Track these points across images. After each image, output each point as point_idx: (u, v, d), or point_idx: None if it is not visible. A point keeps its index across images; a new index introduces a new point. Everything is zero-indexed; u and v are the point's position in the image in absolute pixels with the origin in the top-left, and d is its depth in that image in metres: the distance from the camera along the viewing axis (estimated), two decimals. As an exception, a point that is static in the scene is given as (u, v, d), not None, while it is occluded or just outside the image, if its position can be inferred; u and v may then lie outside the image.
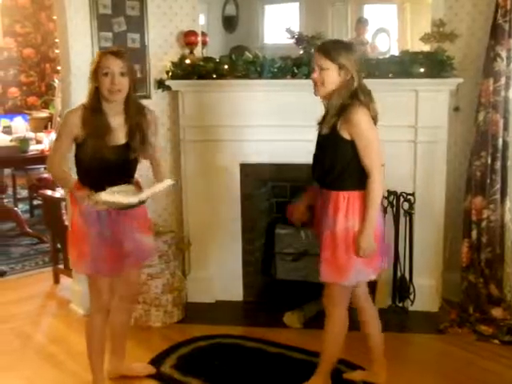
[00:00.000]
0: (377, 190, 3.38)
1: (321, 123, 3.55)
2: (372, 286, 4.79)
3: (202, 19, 5.12)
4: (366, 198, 3.38)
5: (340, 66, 3.34)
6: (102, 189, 3.29)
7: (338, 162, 3.41)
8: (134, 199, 3.36)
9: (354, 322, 3.76)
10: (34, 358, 4.28)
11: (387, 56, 5.03)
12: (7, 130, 7.29)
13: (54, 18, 5.46)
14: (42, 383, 3.99)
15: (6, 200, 7.13)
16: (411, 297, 4.76)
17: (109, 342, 3.79)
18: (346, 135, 3.35)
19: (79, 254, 3.49)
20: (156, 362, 4.14)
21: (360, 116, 3.34)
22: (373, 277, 3.63)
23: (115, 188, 3.37)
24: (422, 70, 4.49)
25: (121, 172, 3.48)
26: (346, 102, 3.35)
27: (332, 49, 3.40)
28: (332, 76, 3.36)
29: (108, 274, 3.54)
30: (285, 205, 5.07)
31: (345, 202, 3.41)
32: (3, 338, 4.54)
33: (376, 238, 3.41)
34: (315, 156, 3.61)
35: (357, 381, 3.91)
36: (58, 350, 4.38)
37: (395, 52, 5.11)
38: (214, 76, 4.76)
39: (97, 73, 3.35)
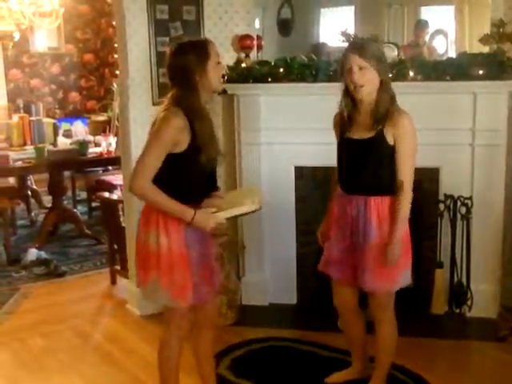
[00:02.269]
0: (408, 199, 3.40)
1: (348, 126, 3.47)
2: (429, 291, 4.77)
3: (257, 23, 5.13)
4: (397, 208, 3.36)
5: (378, 66, 3.30)
6: (198, 202, 3.12)
7: (384, 168, 3.37)
8: (251, 206, 3.17)
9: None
10: (91, 357, 4.36)
11: (444, 58, 4.99)
12: (68, 134, 7.41)
13: (113, 23, 5.51)
14: (100, 382, 4.06)
15: (65, 202, 7.25)
16: (469, 303, 4.69)
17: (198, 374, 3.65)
18: (390, 140, 3.33)
19: (180, 284, 3.12)
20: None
21: (408, 121, 3.33)
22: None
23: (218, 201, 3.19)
24: (480, 71, 4.43)
25: (214, 181, 3.29)
26: (389, 106, 3.33)
27: (369, 49, 3.34)
28: (372, 75, 3.30)
29: (205, 300, 3.30)
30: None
31: (387, 208, 3.41)
32: (62, 337, 4.63)
33: (407, 244, 3.49)
34: (351, 162, 3.50)
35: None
36: (115, 349, 4.44)
37: (453, 54, 5.06)
38: (270, 79, 4.77)
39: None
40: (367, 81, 3.29)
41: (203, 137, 3.03)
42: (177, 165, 3.04)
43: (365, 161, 3.42)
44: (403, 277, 3.51)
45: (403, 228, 3.42)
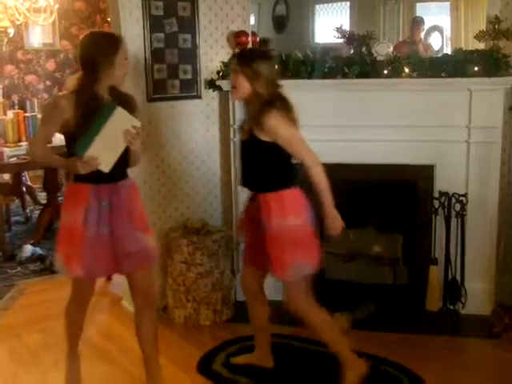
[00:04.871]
0: (319, 169, 3.55)
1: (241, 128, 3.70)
2: (423, 288, 4.78)
3: (252, 20, 5.13)
4: (317, 183, 3.54)
5: (253, 73, 3.48)
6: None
7: (264, 166, 3.55)
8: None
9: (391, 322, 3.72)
10: (87, 353, 4.31)
11: (440, 55, 4.98)
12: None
13: (109, 20, 5.50)
14: (95, 378, 4.03)
15: (60, 198, 7.21)
16: (463, 300, 4.69)
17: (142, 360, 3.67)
18: (265, 138, 3.48)
19: (71, 255, 3.32)
20: (206, 359, 4.18)
21: (273, 119, 3.46)
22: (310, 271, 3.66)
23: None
24: (476, 68, 4.41)
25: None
26: (260, 109, 3.48)
27: (248, 56, 3.64)
28: (244, 81, 3.50)
29: (102, 275, 3.63)
30: (338, 204, 5.09)
31: (277, 202, 3.54)
32: (58, 333, 4.55)
33: (310, 234, 3.59)
34: (241, 161, 3.79)
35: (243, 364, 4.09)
36: (110, 346, 4.45)
37: (448, 50, 5.06)
38: (265, 76, 4.77)
39: None
40: (240, 86, 3.53)
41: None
42: None
43: (247, 160, 3.70)
44: (296, 269, 3.56)
45: (329, 196, 3.57)
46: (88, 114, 3.19)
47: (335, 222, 3.62)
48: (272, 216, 3.51)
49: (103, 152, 3.21)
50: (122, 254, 3.37)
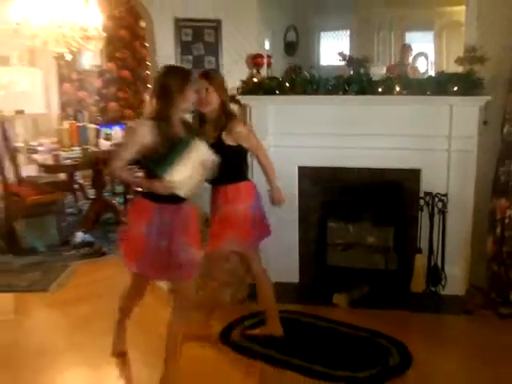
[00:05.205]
0: (264, 154, 3.87)
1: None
2: (409, 273, 4.73)
3: (267, 44, 5.10)
4: (265, 165, 3.86)
5: (221, 88, 3.70)
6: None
7: (227, 164, 3.49)
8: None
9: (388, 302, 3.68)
10: (128, 323, 4.30)
11: (426, 76, 4.95)
12: (108, 137, 7.37)
13: (146, 45, 5.51)
14: (135, 342, 4.03)
15: (105, 194, 7.24)
16: (443, 282, 4.65)
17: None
18: (231, 143, 3.66)
19: (130, 254, 3.37)
20: (226, 330, 4.15)
21: (242, 128, 3.73)
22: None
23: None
24: (455, 88, 4.40)
25: None
26: (227, 118, 3.68)
27: (215, 75, 3.83)
28: (215, 95, 3.66)
29: (153, 279, 3.69)
30: (334, 202, 5.05)
31: (238, 191, 3.75)
32: (103, 307, 4.58)
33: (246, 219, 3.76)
34: None
35: (259, 335, 4.05)
36: (146, 317, 4.42)
37: (432, 73, 5.02)
38: (277, 92, 4.74)
39: None
40: (211, 99, 3.66)
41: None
42: None
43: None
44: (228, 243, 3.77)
45: (274, 174, 3.89)
46: (169, 143, 3.13)
47: (278, 193, 3.91)
48: (228, 202, 3.72)
49: (182, 178, 3.14)
50: (174, 265, 3.31)
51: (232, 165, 3.67)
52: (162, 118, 3.17)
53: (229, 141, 3.66)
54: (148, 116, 3.29)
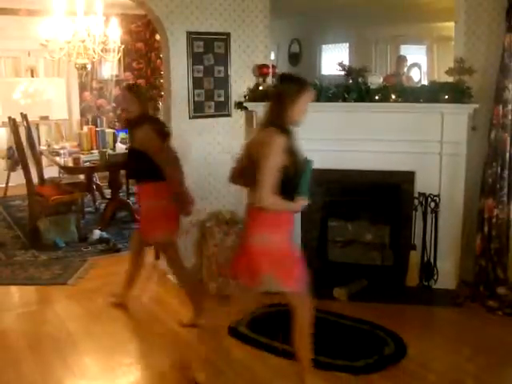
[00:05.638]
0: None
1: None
2: (404, 268, 4.70)
3: (272, 56, 5.09)
4: (170, 176, 3.80)
5: (142, 99, 3.91)
6: None
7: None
8: None
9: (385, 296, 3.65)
10: (141, 314, 4.35)
11: (419, 85, 4.93)
12: (124, 141, 7.36)
13: (161, 56, 5.52)
14: (147, 332, 4.05)
15: (121, 194, 7.22)
16: (435, 277, 4.63)
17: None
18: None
19: (296, 275, 3.02)
20: (234, 322, 4.11)
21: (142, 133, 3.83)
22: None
23: None
24: (446, 96, 4.39)
25: None
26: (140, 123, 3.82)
27: (138, 88, 4.05)
28: (137, 105, 3.89)
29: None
30: (335, 202, 5.01)
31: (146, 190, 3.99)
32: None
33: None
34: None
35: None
36: (159, 309, 4.42)
37: (425, 82, 4.99)
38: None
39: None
40: (134, 108, 3.89)
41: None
42: None
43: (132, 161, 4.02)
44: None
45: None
46: (299, 160, 2.89)
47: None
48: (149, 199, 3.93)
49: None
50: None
51: (141, 166, 3.83)
52: (285, 130, 2.86)
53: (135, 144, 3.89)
54: (269, 127, 2.88)
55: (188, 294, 4.12)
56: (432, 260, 4.63)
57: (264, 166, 2.76)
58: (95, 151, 6.78)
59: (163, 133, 3.93)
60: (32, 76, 9.19)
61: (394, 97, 4.49)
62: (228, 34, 4.80)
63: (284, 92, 2.88)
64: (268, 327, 4.03)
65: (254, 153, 2.88)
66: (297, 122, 2.95)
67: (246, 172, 2.97)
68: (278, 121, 2.87)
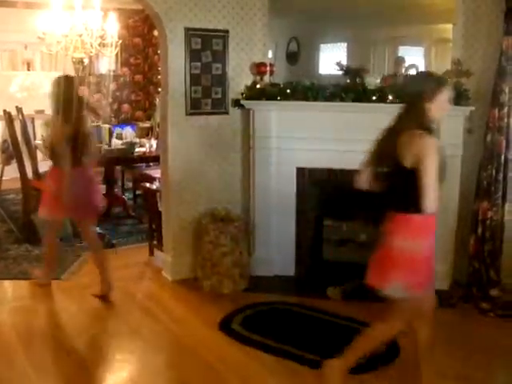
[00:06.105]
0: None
1: None
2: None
3: (270, 54, 5.08)
4: None
5: None
6: None
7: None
8: None
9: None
10: (135, 310, 4.35)
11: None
12: (119, 137, 7.36)
13: (159, 52, 5.51)
14: (141, 328, 4.05)
15: (116, 189, 7.21)
16: (428, 278, 4.63)
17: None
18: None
19: (421, 280, 2.90)
20: (226, 320, 4.13)
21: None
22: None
23: None
24: (443, 98, 4.38)
25: None
26: None
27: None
28: None
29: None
30: (329, 202, 5.02)
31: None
32: (113, 293, 4.60)
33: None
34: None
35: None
36: (153, 306, 4.42)
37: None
38: (279, 98, 4.73)
39: None
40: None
41: None
42: None
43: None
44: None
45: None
46: (443, 160, 2.80)
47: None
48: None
49: None
50: None
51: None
52: (430, 130, 2.79)
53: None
54: (411, 128, 2.82)
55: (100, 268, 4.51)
56: (426, 261, 4.63)
57: (425, 170, 2.69)
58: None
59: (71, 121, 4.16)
60: (28, 69, 9.16)
61: (391, 97, 4.48)
62: (226, 32, 4.79)
63: (423, 91, 2.82)
64: (261, 325, 4.05)
65: (399, 156, 2.81)
66: (436, 120, 2.87)
67: (382, 176, 2.96)
68: (420, 121, 2.81)
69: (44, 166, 7.18)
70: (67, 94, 4.19)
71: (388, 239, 2.89)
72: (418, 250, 2.83)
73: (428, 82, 2.88)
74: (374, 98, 4.52)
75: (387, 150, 2.93)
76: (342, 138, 4.63)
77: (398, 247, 2.83)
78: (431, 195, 2.70)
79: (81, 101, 4.33)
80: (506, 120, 4.38)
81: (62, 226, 4.87)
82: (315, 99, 4.64)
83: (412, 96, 2.89)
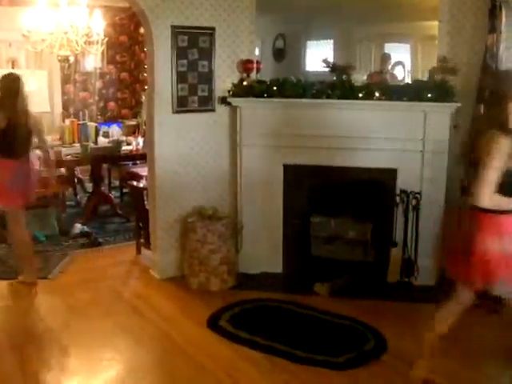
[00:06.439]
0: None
1: None
2: (385, 264, 4.74)
3: (257, 51, 5.08)
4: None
5: None
6: None
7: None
8: None
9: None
10: (123, 308, 4.34)
11: (403, 83, 4.97)
12: (106, 135, 7.34)
13: (145, 49, 5.49)
14: (129, 327, 4.05)
15: (103, 188, 7.19)
16: (416, 274, 4.68)
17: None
18: None
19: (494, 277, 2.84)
20: (214, 317, 4.13)
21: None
22: None
23: None
24: (429, 95, 4.42)
25: None
26: None
27: None
28: None
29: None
30: (317, 198, 5.04)
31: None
32: (100, 293, 4.60)
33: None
34: None
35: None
36: (140, 304, 4.42)
37: (409, 80, 5.04)
38: (265, 95, 4.73)
39: None
40: None
41: None
42: None
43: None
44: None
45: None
46: None
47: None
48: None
49: None
50: None
51: None
52: (508, 132, 2.71)
53: None
54: (492, 129, 2.76)
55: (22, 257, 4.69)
56: (413, 256, 4.66)
57: (487, 166, 2.69)
58: (77, 144, 6.75)
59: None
60: (13, 67, 9.06)
61: (377, 94, 4.51)
62: (213, 29, 4.78)
63: (504, 92, 2.78)
64: (249, 322, 4.06)
65: (480, 157, 2.78)
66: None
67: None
68: (500, 122, 2.76)
69: None
70: (6, 90, 4.43)
71: (477, 239, 2.84)
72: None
73: (509, 84, 2.83)
74: (360, 94, 4.53)
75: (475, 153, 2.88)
76: (329, 135, 4.65)
77: (492, 247, 2.81)
78: (485, 189, 2.68)
79: (25, 99, 4.48)
80: (491, 116, 4.41)
81: (24, 217, 4.72)
82: (302, 96, 4.65)
83: (495, 98, 2.87)
